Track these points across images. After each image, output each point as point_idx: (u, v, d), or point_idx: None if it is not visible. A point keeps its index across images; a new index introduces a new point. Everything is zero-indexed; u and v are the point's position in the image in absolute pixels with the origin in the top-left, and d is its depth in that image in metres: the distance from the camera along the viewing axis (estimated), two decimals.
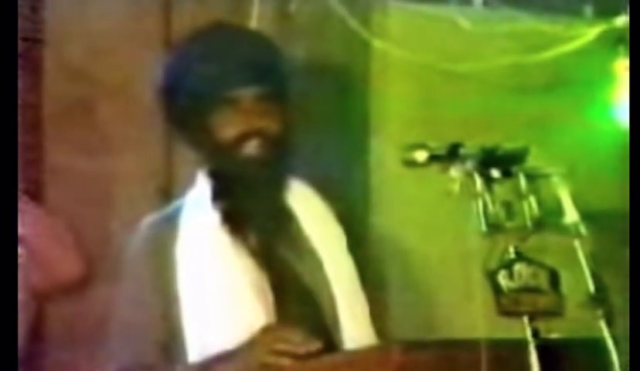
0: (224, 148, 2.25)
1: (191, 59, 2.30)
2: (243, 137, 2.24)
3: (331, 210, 2.38)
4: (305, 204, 2.35)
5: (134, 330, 2.25)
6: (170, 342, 2.22)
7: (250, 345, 2.11)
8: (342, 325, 2.25)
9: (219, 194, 2.29)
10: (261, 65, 2.29)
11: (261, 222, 2.28)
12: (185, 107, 2.28)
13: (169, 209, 2.38)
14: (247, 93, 2.26)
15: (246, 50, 2.30)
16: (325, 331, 2.21)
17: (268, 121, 2.26)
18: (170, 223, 2.30)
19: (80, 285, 2.92)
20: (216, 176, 2.30)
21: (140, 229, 2.34)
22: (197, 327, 2.19)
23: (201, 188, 2.32)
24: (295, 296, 2.25)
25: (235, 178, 2.26)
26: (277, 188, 2.30)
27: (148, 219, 2.35)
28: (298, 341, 2.06)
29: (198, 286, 2.22)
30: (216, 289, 2.21)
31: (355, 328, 2.25)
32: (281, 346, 2.06)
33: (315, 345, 2.06)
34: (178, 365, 2.21)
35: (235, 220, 2.27)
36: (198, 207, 2.30)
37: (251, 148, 2.24)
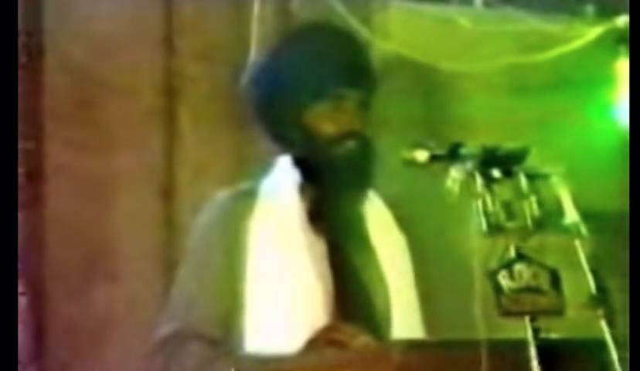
0: (322, 142, 2.30)
1: (300, 53, 2.35)
2: (343, 136, 2.30)
3: (391, 214, 2.43)
4: (370, 206, 2.39)
5: (197, 298, 2.27)
6: (230, 317, 2.25)
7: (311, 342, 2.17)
8: (393, 329, 2.31)
9: (307, 183, 2.33)
10: (366, 70, 2.35)
11: (341, 218, 2.33)
12: (287, 99, 2.32)
13: (246, 185, 2.41)
14: (353, 95, 2.32)
15: (356, 53, 2.36)
16: (375, 331, 2.25)
17: (364, 125, 2.32)
18: (247, 200, 2.34)
19: None
20: (305, 166, 2.34)
21: (215, 200, 2.37)
22: (258, 307, 2.23)
23: (283, 174, 2.35)
24: (353, 294, 2.29)
25: (327, 171, 2.31)
26: (362, 189, 2.36)
27: (224, 192, 2.39)
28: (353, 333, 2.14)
29: (266, 267, 2.26)
30: (282, 274, 2.25)
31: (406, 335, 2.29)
32: (337, 336, 2.13)
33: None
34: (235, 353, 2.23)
35: (317, 211, 2.32)
36: (279, 190, 2.34)
37: (348, 147, 2.30)
